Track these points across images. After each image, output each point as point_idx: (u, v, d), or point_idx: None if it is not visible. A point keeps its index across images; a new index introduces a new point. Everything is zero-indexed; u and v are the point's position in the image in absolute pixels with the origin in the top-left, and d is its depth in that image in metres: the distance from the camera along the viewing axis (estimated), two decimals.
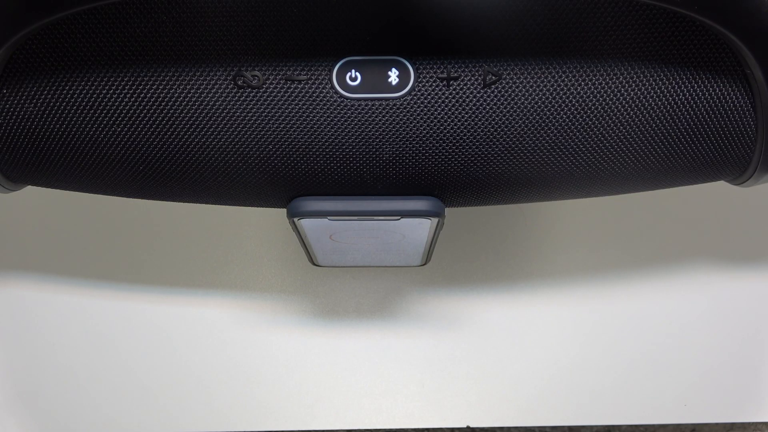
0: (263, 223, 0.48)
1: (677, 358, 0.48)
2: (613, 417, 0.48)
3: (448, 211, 0.30)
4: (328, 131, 0.27)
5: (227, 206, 0.31)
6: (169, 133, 0.27)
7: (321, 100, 0.26)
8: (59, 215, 0.48)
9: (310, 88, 0.26)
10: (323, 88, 0.26)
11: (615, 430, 0.48)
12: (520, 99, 0.26)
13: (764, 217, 0.48)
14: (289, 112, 0.26)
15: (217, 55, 0.26)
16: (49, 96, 0.26)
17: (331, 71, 0.26)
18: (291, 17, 0.25)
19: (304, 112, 0.26)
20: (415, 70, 0.26)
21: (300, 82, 0.26)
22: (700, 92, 0.26)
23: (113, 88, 0.26)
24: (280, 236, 0.48)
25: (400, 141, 0.27)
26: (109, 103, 0.26)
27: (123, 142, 0.27)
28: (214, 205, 0.31)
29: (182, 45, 0.26)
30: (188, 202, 0.31)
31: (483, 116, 0.26)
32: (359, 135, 0.27)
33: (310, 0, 0.25)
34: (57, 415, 0.47)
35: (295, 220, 0.29)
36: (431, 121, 0.27)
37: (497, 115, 0.26)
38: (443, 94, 0.26)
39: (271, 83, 0.26)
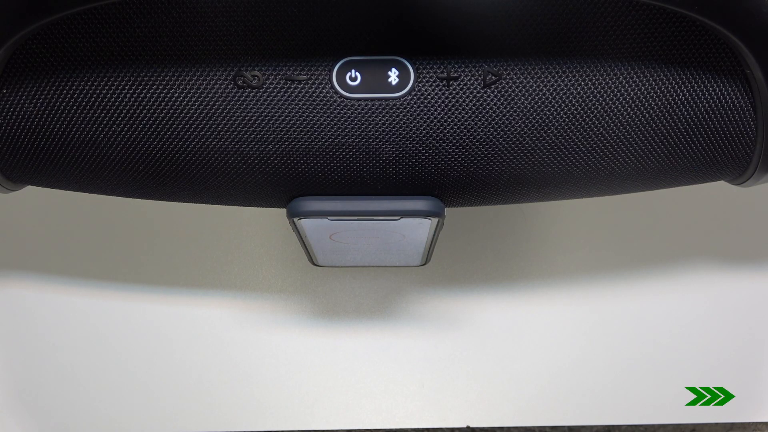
0: (263, 223, 0.48)
1: (677, 358, 0.48)
2: (613, 417, 0.48)
3: (448, 211, 0.30)
4: (328, 131, 0.27)
5: (227, 206, 0.31)
6: (169, 133, 0.27)
7: (321, 100, 0.26)
8: (59, 215, 0.48)
9: (310, 88, 0.26)
10: (323, 88, 0.26)
11: (615, 430, 0.48)
12: (520, 99, 0.26)
13: (764, 217, 0.48)
14: (289, 112, 0.26)
15: (217, 55, 0.26)
16: (49, 96, 0.26)
17: (331, 71, 0.26)
18: (291, 17, 0.25)
19: (304, 112, 0.26)
20: (415, 70, 0.26)
21: (300, 82, 0.26)
22: (700, 92, 0.26)
23: (113, 88, 0.26)
24: (280, 236, 0.48)
25: (400, 141, 0.27)
26: (109, 103, 0.26)
27: (123, 142, 0.27)
28: (214, 205, 0.31)
29: (182, 45, 0.26)
30: (188, 202, 0.31)
31: (483, 116, 0.26)
32: (359, 135, 0.27)
33: (310, 0, 0.25)
34: (57, 415, 0.47)
35: (295, 220, 0.29)
36: (431, 121, 0.27)
37: (497, 115, 0.26)
38: (443, 94, 0.26)
39: (271, 83, 0.26)
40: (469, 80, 0.26)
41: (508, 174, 0.28)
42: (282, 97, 0.26)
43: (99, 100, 0.26)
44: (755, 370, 0.48)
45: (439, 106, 0.26)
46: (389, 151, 0.27)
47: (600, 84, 0.26)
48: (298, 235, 0.32)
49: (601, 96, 0.26)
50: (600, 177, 0.29)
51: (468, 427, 0.48)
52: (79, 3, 0.24)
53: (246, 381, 0.48)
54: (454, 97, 0.26)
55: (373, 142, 0.27)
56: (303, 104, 0.26)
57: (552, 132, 0.27)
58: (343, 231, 0.31)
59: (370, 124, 0.27)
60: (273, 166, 0.28)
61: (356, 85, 0.26)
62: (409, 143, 0.27)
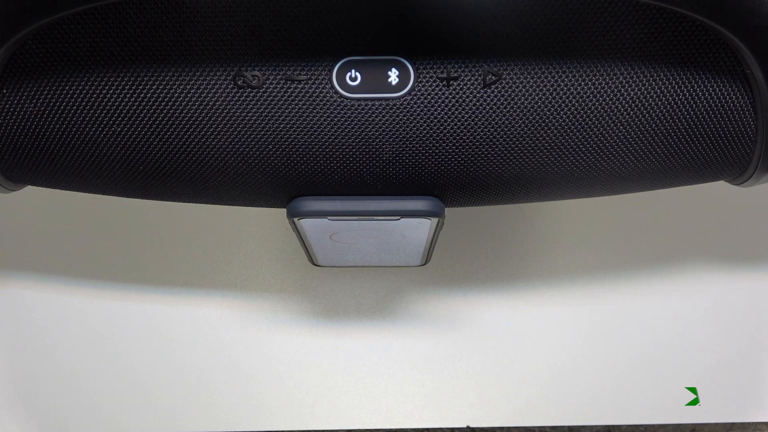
0: (263, 223, 0.48)
1: (677, 358, 0.48)
2: (613, 417, 0.48)
3: (448, 211, 0.30)
4: (328, 131, 0.27)
5: (227, 206, 0.31)
6: (169, 133, 0.27)
7: (321, 100, 0.26)
8: (59, 215, 0.48)
9: (310, 88, 0.26)
10: (323, 88, 0.26)
11: (615, 430, 0.48)
12: (520, 99, 0.26)
13: (764, 217, 0.48)
14: (289, 112, 0.26)
15: (217, 55, 0.26)
16: (49, 96, 0.26)
17: (331, 71, 0.26)
18: (291, 17, 0.25)
19: (304, 112, 0.26)
20: (415, 70, 0.26)
21: (300, 82, 0.26)
22: (700, 92, 0.26)
23: (113, 88, 0.26)
24: (280, 236, 0.48)
25: (400, 141, 0.27)
26: (109, 103, 0.26)
27: (123, 142, 0.27)
28: (214, 205, 0.31)
29: (182, 45, 0.26)
30: (188, 202, 0.31)
31: (483, 116, 0.26)
32: (359, 135, 0.27)
33: (310, 0, 0.25)
34: (57, 415, 0.47)
35: (295, 220, 0.29)
36: (431, 121, 0.27)
37: (497, 115, 0.26)
38: (443, 94, 0.26)
39: (271, 83, 0.26)
40: (469, 80, 0.26)
41: (508, 174, 0.28)
42: (282, 97, 0.26)
43: (99, 100, 0.26)
44: (755, 370, 0.48)
45: (439, 106, 0.26)
46: (389, 151, 0.27)
47: (600, 84, 0.26)
48: (298, 235, 0.32)
49: (601, 96, 0.26)
50: (600, 177, 0.29)
51: (468, 427, 0.48)
52: (79, 3, 0.24)
53: (246, 381, 0.48)
54: (454, 97, 0.26)
55: (373, 142, 0.27)
56: (303, 104, 0.26)
57: (552, 132, 0.27)
58: (343, 231, 0.31)
59: (370, 124, 0.27)
60: (273, 166, 0.28)
61: (356, 85, 0.26)
62: (409, 143, 0.27)
